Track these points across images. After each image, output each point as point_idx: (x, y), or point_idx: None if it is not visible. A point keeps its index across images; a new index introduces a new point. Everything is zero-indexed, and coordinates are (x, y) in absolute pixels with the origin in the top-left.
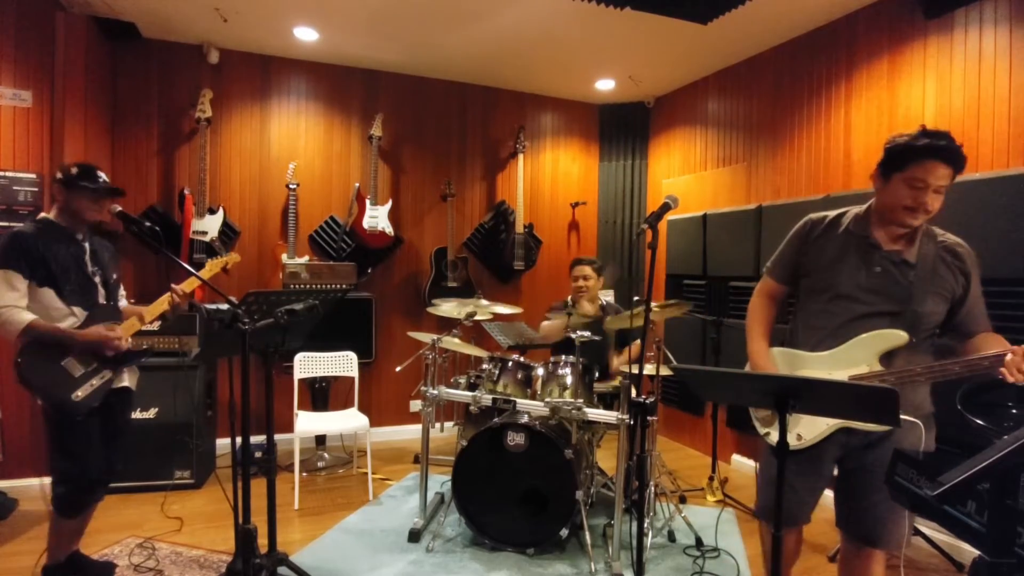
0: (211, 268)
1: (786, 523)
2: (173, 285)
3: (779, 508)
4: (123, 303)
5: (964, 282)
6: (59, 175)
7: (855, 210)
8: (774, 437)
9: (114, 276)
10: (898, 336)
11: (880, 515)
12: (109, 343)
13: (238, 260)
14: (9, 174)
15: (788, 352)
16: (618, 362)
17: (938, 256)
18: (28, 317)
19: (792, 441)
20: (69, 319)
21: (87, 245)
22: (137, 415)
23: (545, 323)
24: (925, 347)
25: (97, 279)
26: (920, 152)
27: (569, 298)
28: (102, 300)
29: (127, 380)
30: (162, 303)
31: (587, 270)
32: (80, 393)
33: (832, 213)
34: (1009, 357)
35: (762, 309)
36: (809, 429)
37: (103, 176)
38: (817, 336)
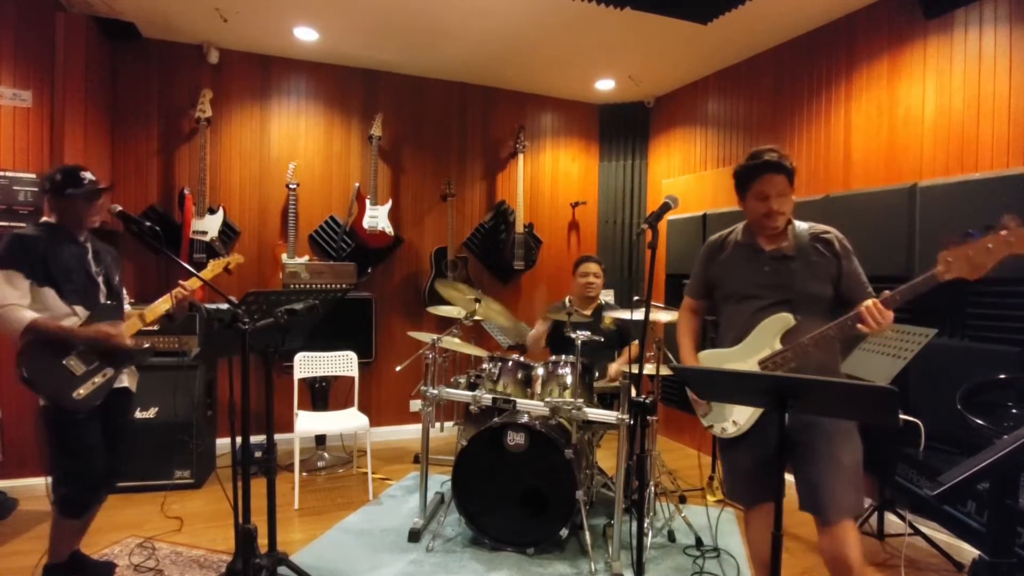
0: (213, 268)
1: (760, 500)
2: (181, 282)
3: (779, 507)
4: (126, 307)
5: (836, 262)
6: (46, 185)
7: (741, 225)
8: (716, 429)
9: (117, 278)
10: (785, 318)
11: (830, 486)
12: (110, 340)
13: (241, 261)
14: (9, 174)
15: (712, 352)
16: (617, 365)
17: (810, 245)
18: (30, 315)
19: (730, 428)
20: (71, 319)
21: (89, 246)
22: (137, 415)
23: (531, 332)
24: (818, 323)
25: (100, 279)
26: (753, 171)
27: (567, 299)
28: (104, 300)
29: (127, 381)
30: (165, 302)
31: (594, 267)
32: (82, 391)
33: (724, 232)
34: (863, 309)
35: (687, 322)
36: (741, 414)
37: (88, 176)
38: (734, 333)
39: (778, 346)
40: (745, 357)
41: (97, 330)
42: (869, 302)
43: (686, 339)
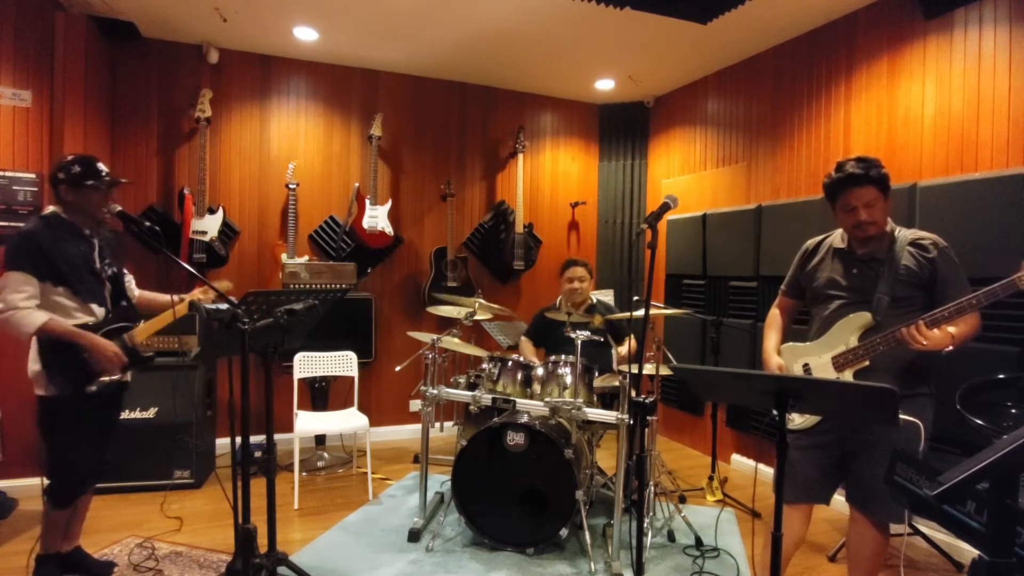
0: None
1: (798, 499)
2: (198, 297)
3: (779, 508)
4: (136, 292)
5: (930, 267)
6: (61, 174)
7: (840, 231)
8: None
9: (115, 271)
10: (863, 317)
11: (876, 485)
12: (109, 364)
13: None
14: (9, 174)
15: (791, 346)
16: (625, 348)
17: (904, 250)
18: (42, 317)
19: (797, 419)
20: (87, 316)
21: (95, 241)
22: (137, 415)
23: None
24: (900, 324)
25: (106, 277)
26: (838, 185)
27: (559, 299)
28: (108, 296)
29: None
30: (167, 317)
31: (580, 271)
32: (94, 387)
33: (823, 236)
34: (902, 330)
35: (772, 317)
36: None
37: (103, 168)
38: (816, 328)
39: (854, 343)
40: (821, 352)
41: (106, 347)
42: (913, 325)
43: (769, 332)
